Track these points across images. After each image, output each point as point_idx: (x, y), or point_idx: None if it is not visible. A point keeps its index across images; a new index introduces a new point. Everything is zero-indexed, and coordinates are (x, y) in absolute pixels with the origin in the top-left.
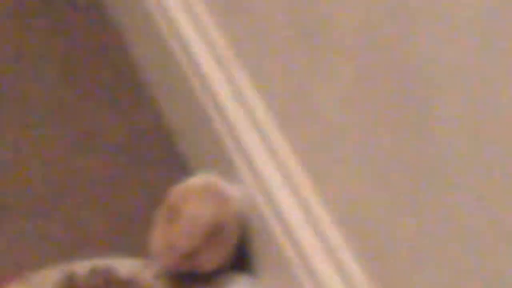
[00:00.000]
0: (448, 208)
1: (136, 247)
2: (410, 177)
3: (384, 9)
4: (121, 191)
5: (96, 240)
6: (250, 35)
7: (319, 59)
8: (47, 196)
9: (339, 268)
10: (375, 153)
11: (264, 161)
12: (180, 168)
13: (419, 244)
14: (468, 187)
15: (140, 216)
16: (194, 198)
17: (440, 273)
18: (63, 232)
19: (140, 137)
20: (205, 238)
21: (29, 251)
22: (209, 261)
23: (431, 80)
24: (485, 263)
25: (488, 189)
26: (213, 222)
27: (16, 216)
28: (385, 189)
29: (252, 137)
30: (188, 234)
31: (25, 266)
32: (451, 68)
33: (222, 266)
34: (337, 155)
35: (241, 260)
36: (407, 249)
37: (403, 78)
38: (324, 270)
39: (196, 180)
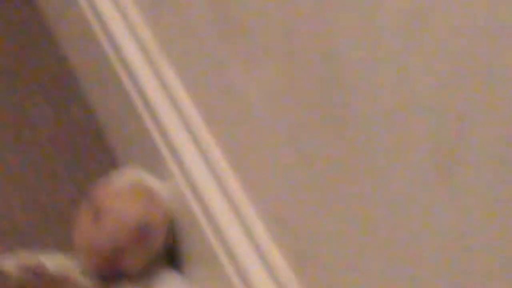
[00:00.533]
0: (374, 203)
1: (65, 242)
2: (334, 170)
3: (307, 5)
4: (50, 184)
5: (24, 233)
6: (176, 30)
7: (244, 54)
8: None
9: (267, 264)
10: (301, 148)
11: (192, 157)
12: (109, 162)
13: (345, 239)
14: (391, 183)
15: (68, 210)
16: (120, 198)
17: (369, 272)
18: None
19: (70, 130)
20: (130, 240)
21: None
22: (133, 263)
23: (352, 75)
24: (415, 259)
25: (411, 186)
26: (138, 224)
27: None
28: (313, 186)
29: (179, 132)
30: (112, 236)
31: None
32: (369, 65)
33: (146, 267)
34: (264, 151)
35: (170, 256)
36: (333, 244)
37: (326, 72)
38: (251, 266)
39: (123, 178)
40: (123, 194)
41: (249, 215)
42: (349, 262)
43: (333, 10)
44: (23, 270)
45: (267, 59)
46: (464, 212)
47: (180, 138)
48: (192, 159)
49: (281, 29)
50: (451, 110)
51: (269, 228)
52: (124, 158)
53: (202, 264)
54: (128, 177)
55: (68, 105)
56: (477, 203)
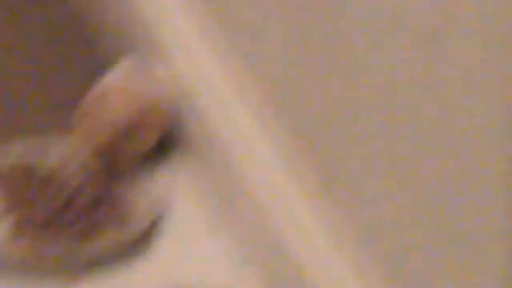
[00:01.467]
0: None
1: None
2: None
3: None
4: (47, 84)
5: (31, 118)
6: None
7: None
8: None
9: (274, 143)
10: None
11: (195, 42)
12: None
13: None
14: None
15: (76, 94)
16: (115, 91)
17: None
18: None
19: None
20: (124, 132)
21: None
22: (127, 157)
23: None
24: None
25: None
26: (131, 118)
27: None
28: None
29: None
30: (107, 127)
31: None
32: None
33: (141, 159)
34: (266, 35)
35: (163, 149)
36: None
37: None
38: (258, 146)
39: (118, 71)
40: (118, 86)
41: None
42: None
43: None
44: (13, 170)
45: None
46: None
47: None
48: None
49: None
50: None
51: (273, 109)
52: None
53: (198, 156)
54: (132, 60)
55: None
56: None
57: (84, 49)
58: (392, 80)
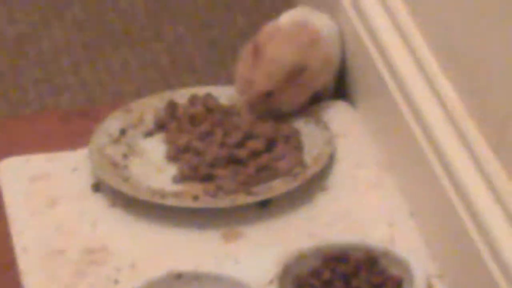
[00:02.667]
0: None
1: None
2: None
3: None
4: (223, 20)
5: (198, 69)
6: None
7: None
8: (149, 25)
9: (437, 94)
10: None
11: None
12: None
13: None
14: None
15: (240, 45)
16: (279, 39)
17: None
18: (164, 61)
19: None
20: (284, 80)
21: (132, 79)
22: (287, 102)
23: None
24: None
25: None
26: (293, 65)
27: (119, 45)
28: (485, 17)
29: None
30: (268, 74)
31: (128, 95)
32: None
33: (300, 107)
34: None
35: (340, 89)
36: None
37: None
38: (421, 95)
39: (289, 18)
40: (283, 35)
41: (421, 48)
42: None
43: None
44: (194, 102)
45: None
46: None
47: None
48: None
49: None
50: None
51: (442, 62)
52: None
53: (372, 97)
54: (294, 17)
55: None
56: None
57: None
58: None
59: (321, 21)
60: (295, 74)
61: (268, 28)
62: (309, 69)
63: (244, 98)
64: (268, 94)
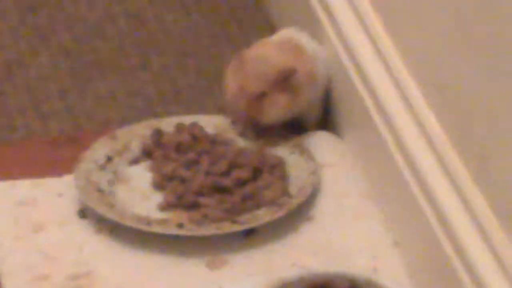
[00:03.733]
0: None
1: (223, 104)
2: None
3: None
4: (209, 49)
5: (184, 97)
6: None
7: None
8: (136, 54)
9: (420, 124)
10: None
11: (348, 20)
12: (267, 27)
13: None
14: None
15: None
16: (265, 47)
17: None
18: (151, 89)
19: None
20: (274, 81)
21: (118, 107)
22: (277, 110)
23: None
24: None
25: None
26: (281, 66)
27: (107, 73)
28: (471, 52)
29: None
30: (259, 75)
31: (114, 122)
32: None
33: (288, 117)
34: (422, 16)
35: (326, 119)
36: (490, 111)
37: None
38: (405, 127)
39: (275, 36)
40: (270, 45)
41: (406, 80)
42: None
43: None
44: (180, 131)
45: None
46: None
47: (338, 3)
48: (348, 22)
49: None
50: None
51: (425, 94)
52: (282, 21)
53: (357, 127)
54: (280, 35)
55: None
56: None
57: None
58: None
59: (305, 40)
60: (286, 75)
61: (254, 44)
62: (297, 74)
63: (235, 106)
64: (261, 95)
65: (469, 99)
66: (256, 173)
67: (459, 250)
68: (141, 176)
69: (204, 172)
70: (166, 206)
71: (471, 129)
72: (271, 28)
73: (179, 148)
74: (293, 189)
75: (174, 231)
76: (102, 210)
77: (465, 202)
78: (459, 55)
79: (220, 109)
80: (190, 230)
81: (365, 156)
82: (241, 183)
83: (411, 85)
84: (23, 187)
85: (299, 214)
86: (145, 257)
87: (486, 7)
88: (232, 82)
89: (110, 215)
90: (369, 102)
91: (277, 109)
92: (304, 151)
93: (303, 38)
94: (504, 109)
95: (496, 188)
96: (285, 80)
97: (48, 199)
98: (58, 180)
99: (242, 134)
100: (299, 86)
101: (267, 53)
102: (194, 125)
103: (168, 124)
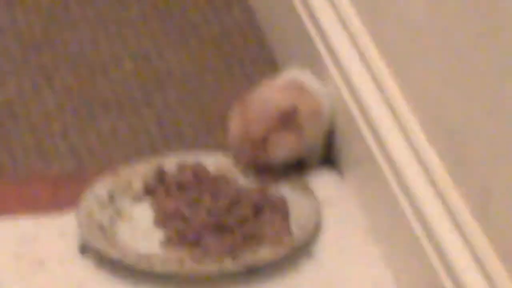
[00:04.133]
0: None
1: (225, 143)
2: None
3: None
4: (211, 87)
5: (186, 135)
6: None
7: None
8: (139, 92)
9: (422, 163)
10: (454, 53)
11: (350, 59)
12: (270, 65)
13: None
14: None
15: (228, 112)
16: (267, 89)
17: None
18: (153, 128)
19: (231, 33)
20: (277, 122)
21: (121, 145)
22: (282, 146)
23: None
24: None
25: None
26: (284, 106)
27: (109, 111)
28: (471, 91)
29: (338, 34)
30: (260, 118)
31: (117, 161)
32: None
33: (294, 157)
34: (422, 56)
35: (327, 158)
36: (489, 145)
37: None
38: (407, 165)
39: (277, 77)
40: (272, 86)
41: (408, 118)
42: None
43: None
44: (183, 170)
45: None
46: None
47: (339, 39)
48: (350, 60)
49: None
50: None
51: (427, 131)
52: (284, 59)
53: (359, 165)
54: (283, 75)
55: (231, 8)
56: None
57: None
58: None
59: (309, 79)
60: (288, 115)
61: (256, 87)
62: (301, 113)
63: (240, 153)
64: (264, 140)
65: (471, 136)
66: (258, 210)
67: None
68: (143, 213)
69: (206, 210)
70: (167, 244)
71: (474, 167)
72: (274, 66)
73: (181, 186)
74: (294, 227)
75: (175, 268)
76: (103, 247)
77: (466, 239)
78: (461, 92)
79: (222, 147)
80: (192, 268)
81: (366, 193)
82: (243, 221)
83: (413, 123)
84: (25, 225)
85: (300, 251)
86: None
87: (487, 42)
88: (235, 127)
89: (111, 253)
90: (371, 141)
91: (283, 150)
92: (305, 189)
93: (307, 77)
94: (507, 145)
95: (498, 225)
96: (288, 120)
97: (49, 237)
98: (60, 218)
99: (244, 173)
100: (303, 125)
101: (268, 95)
102: (196, 164)
103: (170, 162)
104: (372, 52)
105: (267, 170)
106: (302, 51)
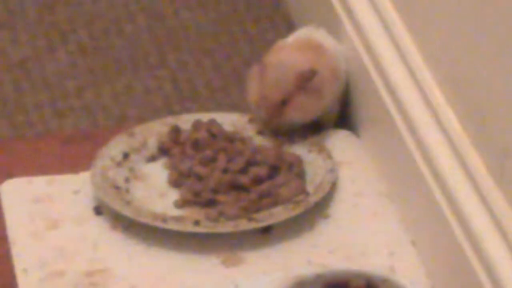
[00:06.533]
0: None
1: (241, 102)
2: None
3: None
4: (227, 46)
5: (201, 95)
6: None
7: None
8: (154, 51)
9: (440, 123)
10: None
11: (368, 18)
12: (286, 25)
13: None
14: None
15: (245, 72)
16: (285, 51)
17: None
18: (168, 87)
19: None
20: (295, 85)
21: (135, 104)
22: (300, 113)
23: None
24: None
25: None
26: (303, 69)
27: (124, 70)
28: (489, 48)
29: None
30: (278, 82)
31: (131, 119)
32: None
33: (313, 119)
34: (441, 13)
35: (343, 117)
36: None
37: None
38: (424, 125)
39: (294, 37)
40: (289, 47)
41: (426, 78)
42: None
43: None
44: (197, 128)
45: None
46: None
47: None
48: (368, 20)
49: None
50: None
51: (445, 91)
52: (300, 18)
53: (376, 126)
54: (299, 35)
55: None
56: None
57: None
58: None
59: (325, 38)
60: (306, 78)
61: (273, 47)
62: (319, 75)
63: (259, 115)
64: (283, 103)
65: (489, 96)
66: (273, 171)
67: (478, 250)
68: (158, 173)
69: (221, 170)
70: (182, 204)
71: (492, 128)
72: (289, 26)
73: (196, 145)
74: (310, 187)
75: (190, 228)
76: (117, 206)
77: (485, 202)
78: (479, 52)
79: (238, 107)
80: (206, 228)
81: (383, 154)
82: (258, 180)
83: (431, 83)
84: (39, 183)
85: (316, 212)
86: (160, 255)
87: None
88: (253, 90)
89: (125, 212)
90: (388, 100)
91: (301, 113)
92: (322, 149)
93: (322, 36)
94: None
95: None
96: (306, 83)
97: (64, 196)
98: (74, 177)
99: (259, 132)
100: (322, 87)
101: (286, 57)
102: (212, 122)
103: (185, 121)
104: (390, 10)
105: (284, 131)
106: (317, 8)
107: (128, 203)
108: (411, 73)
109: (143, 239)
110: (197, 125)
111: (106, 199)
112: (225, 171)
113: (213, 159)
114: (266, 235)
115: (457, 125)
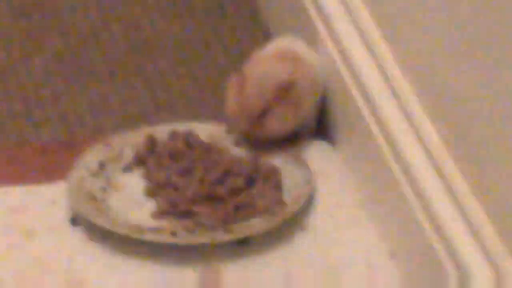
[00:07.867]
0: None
1: (218, 112)
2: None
3: None
4: (204, 56)
5: (178, 104)
6: None
7: None
8: (130, 61)
9: (417, 133)
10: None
11: (343, 26)
12: (262, 33)
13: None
14: None
15: (220, 82)
16: (264, 62)
17: None
18: (144, 96)
19: (224, 2)
20: (275, 96)
21: (111, 114)
22: (279, 124)
23: None
24: None
25: None
26: (281, 80)
27: (100, 80)
28: (468, 58)
29: (332, 2)
30: (257, 94)
31: (107, 129)
32: None
33: (292, 130)
34: (415, 19)
35: (320, 128)
36: (486, 117)
37: None
38: (401, 134)
39: (272, 46)
40: (267, 58)
41: (402, 87)
42: (502, 135)
43: None
44: (174, 138)
45: None
46: None
47: (332, 6)
48: (345, 29)
49: None
50: None
51: (422, 100)
52: (277, 28)
53: (352, 136)
54: (277, 45)
55: None
56: None
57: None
58: None
59: (303, 49)
60: (285, 89)
61: (252, 58)
62: (297, 85)
63: (238, 127)
64: (262, 114)
65: (466, 104)
66: (251, 181)
67: (457, 262)
68: (134, 183)
69: (198, 180)
70: (159, 214)
71: (470, 137)
72: (265, 35)
73: (173, 155)
74: (287, 198)
75: (167, 239)
76: (94, 217)
77: (462, 211)
78: (455, 61)
79: (214, 117)
80: (183, 239)
81: (360, 165)
82: (235, 191)
83: (409, 93)
84: (15, 193)
85: (293, 223)
86: (137, 266)
87: (485, 10)
88: (232, 101)
89: (102, 223)
90: (365, 110)
91: (281, 124)
92: (299, 160)
93: (301, 47)
94: (500, 113)
95: (494, 196)
96: (285, 94)
97: (40, 206)
98: (50, 187)
99: (236, 143)
100: (301, 98)
101: (265, 68)
102: (188, 132)
103: (161, 131)
104: (366, 19)
105: (262, 142)
106: (294, 18)
107: (104, 214)
108: (388, 82)
109: (120, 250)
110: (173, 135)
111: (82, 210)
112: (202, 181)
113: (189, 170)
114: (243, 246)
115: (435, 135)
